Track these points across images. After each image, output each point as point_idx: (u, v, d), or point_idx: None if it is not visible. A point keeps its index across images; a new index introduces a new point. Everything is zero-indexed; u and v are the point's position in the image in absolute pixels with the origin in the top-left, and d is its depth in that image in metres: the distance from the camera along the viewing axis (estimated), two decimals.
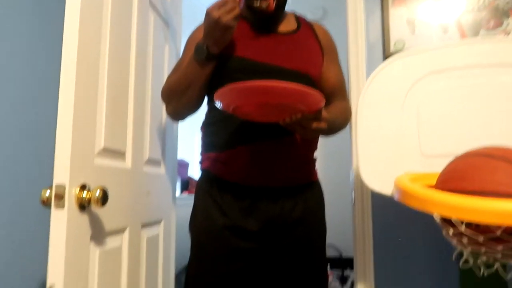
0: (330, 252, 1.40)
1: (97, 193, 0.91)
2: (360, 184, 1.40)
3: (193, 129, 1.59)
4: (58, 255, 0.86)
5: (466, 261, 0.83)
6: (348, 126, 1.30)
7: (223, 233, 1.14)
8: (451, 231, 0.80)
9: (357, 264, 1.39)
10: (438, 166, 0.91)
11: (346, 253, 2.30)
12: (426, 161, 1.00)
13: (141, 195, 1.29)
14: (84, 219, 0.93)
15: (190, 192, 3.11)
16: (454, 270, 1.05)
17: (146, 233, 1.30)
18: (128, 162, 1.20)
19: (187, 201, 1.29)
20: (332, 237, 1.36)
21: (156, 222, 1.44)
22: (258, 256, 1.17)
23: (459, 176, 0.84)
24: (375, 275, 1.39)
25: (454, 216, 0.73)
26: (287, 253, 1.16)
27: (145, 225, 1.30)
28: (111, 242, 1.07)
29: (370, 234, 1.40)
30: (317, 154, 1.35)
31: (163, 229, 1.48)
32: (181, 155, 2.03)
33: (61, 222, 0.86)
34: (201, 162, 1.28)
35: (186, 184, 3.25)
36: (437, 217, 0.82)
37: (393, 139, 1.03)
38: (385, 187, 1.01)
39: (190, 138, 3.80)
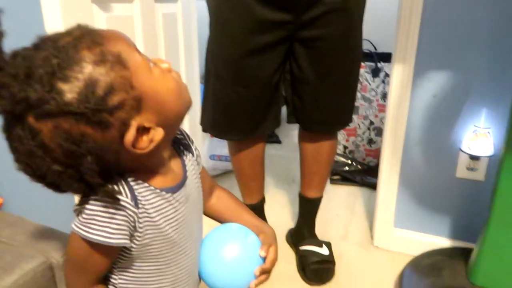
0: (364, 46, 1.25)
1: None
2: None
3: None
4: (54, 17, 0.74)
5: None
6: None
7: (245, 1, 0.97)
8: None
9: (397, 48, 1.23)
10: None
11: (381, 49, 2.14)
12: None
13: None
14: None
15: None
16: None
17: (161, 9, 1.15)
18: None
19: None
20: (367, 32, 1.18)
21: (172, 0, 1.27)
22: (289, 30, 1.01)
23: None
24: (415, 61, 1.25)
25: None
26: (322, 25, 1.00)
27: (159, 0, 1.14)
28: (119, 10, 0.93)
29: (419, 9, 1.18)
30: None
31: (181, 10, 1.32)
32: None
33: None
34: None
35: None
36: None
37: None
38: None
39: None
